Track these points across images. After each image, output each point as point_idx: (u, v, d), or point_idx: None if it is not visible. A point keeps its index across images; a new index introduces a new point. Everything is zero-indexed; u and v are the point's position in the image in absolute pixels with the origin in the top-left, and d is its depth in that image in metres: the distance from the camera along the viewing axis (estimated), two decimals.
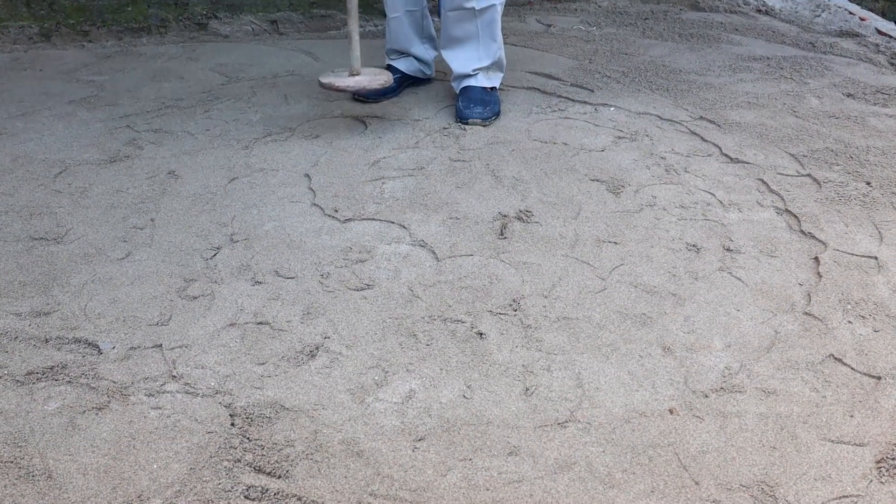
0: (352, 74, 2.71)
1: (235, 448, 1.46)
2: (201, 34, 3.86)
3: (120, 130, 2.78)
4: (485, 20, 2.77)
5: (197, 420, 1.53)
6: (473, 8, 2.73)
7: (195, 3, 3.81)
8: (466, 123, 2.77)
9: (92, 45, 3.76)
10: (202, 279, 1.95)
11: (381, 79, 2.74)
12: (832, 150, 2.53)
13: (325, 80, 2.70)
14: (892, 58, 3.40)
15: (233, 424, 1.52)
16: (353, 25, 2.67)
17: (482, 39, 2.81)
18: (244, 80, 3.24)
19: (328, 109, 2.92)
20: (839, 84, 3.10)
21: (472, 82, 2.87)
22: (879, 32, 3.74)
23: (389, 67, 3.05)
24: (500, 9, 2.78)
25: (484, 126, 2.75)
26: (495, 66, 2.90)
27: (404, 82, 3.09)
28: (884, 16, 4.25)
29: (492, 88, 2.88)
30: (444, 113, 2.88)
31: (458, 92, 2.92)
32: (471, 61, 2.86)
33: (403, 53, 3.07)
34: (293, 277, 1.95)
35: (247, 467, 1.42)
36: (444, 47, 2.90)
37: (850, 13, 4.01)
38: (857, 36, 3.70)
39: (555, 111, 2.87)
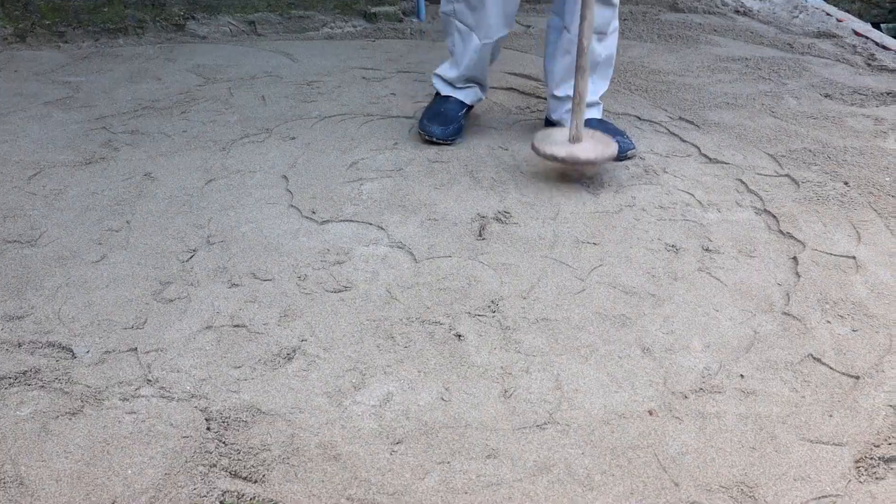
0: (573, 140, 2.33)
1: (211, 453, 1.44)
2: (179, 35, 3.83)
3: (96, 132, 2.75)
4: (609, 45, 2.54)
5: (172, 424, 1.50)
6: (605, 33, 2.50)
7: (172, 3, 3.78)
8: (628, 156, 2.50)
9: (68, 46, 3.73)
10: (178, 282, 1.93)
11: (610, 149, 2.33)
12: (810, 151, 2.54)
13: (542, 147, 2.33)
14: (869, 59, 3.42)
15: (208, 429, 1.49)
16: (582, 83, 2.28)
17: (609, 61, 2.58)
18: (222, 82, 3.21)
19: (306, 111, 2.90)
20: (817, 84, 3.12)
21: (595, 113, 2.61)
22: (856, 33, 3.76)
23: (447, 98, 2.69)
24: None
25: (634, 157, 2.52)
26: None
27: (467, 116, 2.74)
28: (860, 17, 4.28)
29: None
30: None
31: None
32: (594, 87, 2.58)
33: (472, 82, 2.70)
34: (270, 279, 1.93)
35: (222, 472, 1.40)
36: (563, 77, 2.56)
37: (828, 14, 4.04)
38: (835, 37, 3.72)
39: (533, 112, 2.86)
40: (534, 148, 2.33)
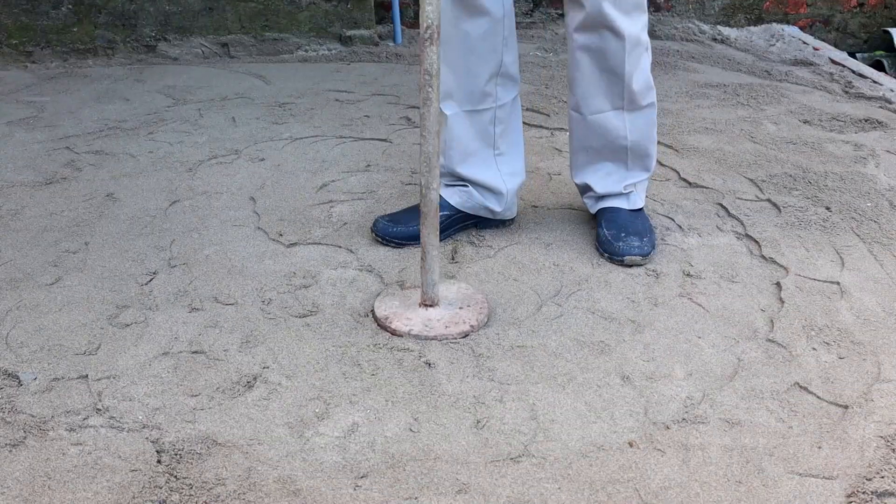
0: (425, 304, 1.81)
1: (161, 487, 1.34)
2: (150, 56, 3.75)
3: (58, 152, 2.66)
4: (646, 122, 2.07)
5: (120, 457, 1.40)
6: (623, 108, 2.02)
7: (144, 24, 3.71)
8: (621, 261, 2.01)
9: (35, 66, 3.65)
10: (135, 306, 1.84)
11: (465, 318, 1.78)
12: (791, 176, 2.49)
13: (381, 311, 1.80)
14: (846, 86, 3.41)
15: (159, 461, 1.39)
16: (429, 232, 1.73)
17: (639, 145, 2.08)
18: (192, 103, 3.14)
19: (277, 132, 2.83)
20: (795, 111, 3.09)
21: (620, 203, 2.12)
22: (833, 62, 3.75)
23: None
24: (656, 105, 2.10)
25: (641, 265, 2.02)
26: (648, 178, 2.18)
27: (452, 223, 2.12)
28: (836, 46, 4.28)
29: (641, 209, 2.15)
30: (398, 134, 2.80)
31: (594, 214, 2.17)
32: (616, 175, 2.11)
33: (459, 179, 2.11)
34: (233, 304, 1.84)
35: None
36: (579, 162, 2.15)
37: (804, 43, 4.03)
38: (812, 65, 3.71)
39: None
40: (374, 315, 1.80)
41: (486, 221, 2.16)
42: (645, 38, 1.98)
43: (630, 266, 2.01)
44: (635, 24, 1.94)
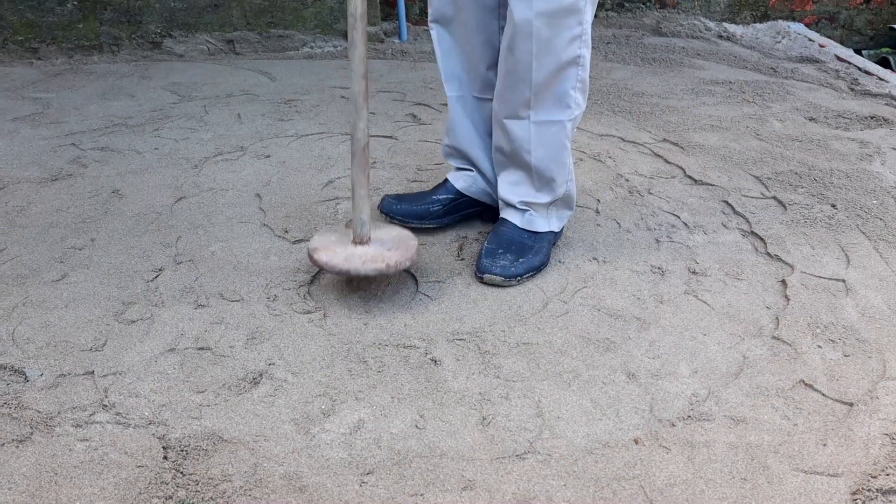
0: (356, 242, 1.83)
1: (167, 483, 1.34)
2: (155, 53, 3.76)
3: (64, 148, 2.67)
4: (543, 140, 1.88)
5: (127, 453, 1.41)
6: (528, 118, 1.87)
7: (149, 21, 3.71)
8: (481, 279, 1.91)
9: (41, 63, 3.65)
10: (141, 302, 1.84)
11: (387, 257, 1.79)
12: (796, 173, 2.49)
13: (312, 243, 1.85)
14: (852, 83, 3.40)
15: (165, 458, 1.40)
16: (358, 170, 1.78)
17: (537, 166, 1.91)
18: (197, 99, 3.14)
19: (282, 129, 2.83)
20: (801, 108, 3.08)
21: (515, 218, 2.00)
22: (839, 59, 3.74)
23: (445, 182, 2.16)
24: (570, 127, 1.89)
25: (507, 286, 1.90)
26: (560, 202, 1.99)
27: (457, 207, 2.14)
28: (842, 43, 4.27)
29: (546, 232, 2.00)
30: (403, 131, 2.80)
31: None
32: (521, 188, 1.97)
33: (465, 161, 2.12)
34: (239, 300, 1.84)
35: None
36: (494, 161, 2.04)
37: (810, 40, 4.02)
38: (817, 62, 3.70)
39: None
40: (309, 254, 1.83)
41: (491, 211, 2.13)
42: (573, 50, 1.79)
43: (489, 285, 1.90)
44: (554, 30, 1.75)
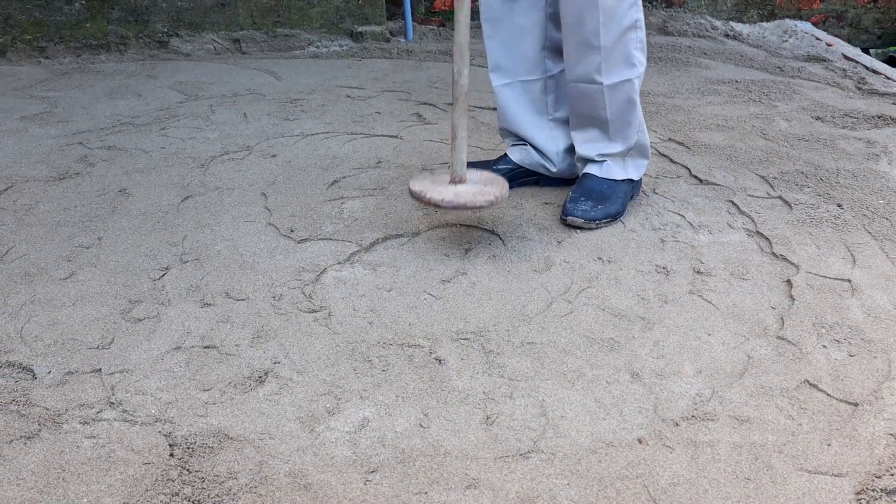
0: (453, 181, 2.00)
1: (174, 480, 1.35)
2: (162, 52, 3.77)
3: (71, 147, 2.68)
4: (616, 99, 2.12)
5: (133, 450, 1.42)
6: (602, 83, 2.09)
7: (156, 20, 3.73)
8: (564, 221, 2.15)
9: (48, 62, 3.67)
10: (148, 300, 1.85)
11: (489, 192, 1.98)
12: (802, 173, 2.49)
13: (416, 186, 1.99)
14: (859, 83, 3.39)
15: (172, 455, 1.41)
16: (459, 116, 1.95)
17: (612, 121, 2.15)
18: (203, 99, 3.15)
19: (288, 128, 2.84)
20: (808, 107, 3.08)
21: (594, 170, 2.23)
22: (846, 58, 3.74)
23: (504, 156, 2.40)
24: (637, 84, 2.12)
25: (588, 228, 2.14)
26: (634, 151, 2.22)
27: (514, 176, 2.35)
28: (849, 42, 4.26)
29: (625, 181, 2.23)
30: (409, 131, 2.80)
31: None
32: (597, 144, 2.21)
33: (518, 138, 2.36)
34: (244, 299, 1.85)
35: (185, 501, 1.32)
36: (571, 124, 2.26)
37: (817, 39, 4.01)
38: (824, 61, 3.69)
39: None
40: (410, 191, 2.00)
41: (547, 179, 2.38)
42: (632, 15, 2.03)
43: (571, 227, 2.14)
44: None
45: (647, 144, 2.23)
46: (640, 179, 2.29)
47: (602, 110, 2.13)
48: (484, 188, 1.99)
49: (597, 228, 2.14)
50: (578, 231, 2.14)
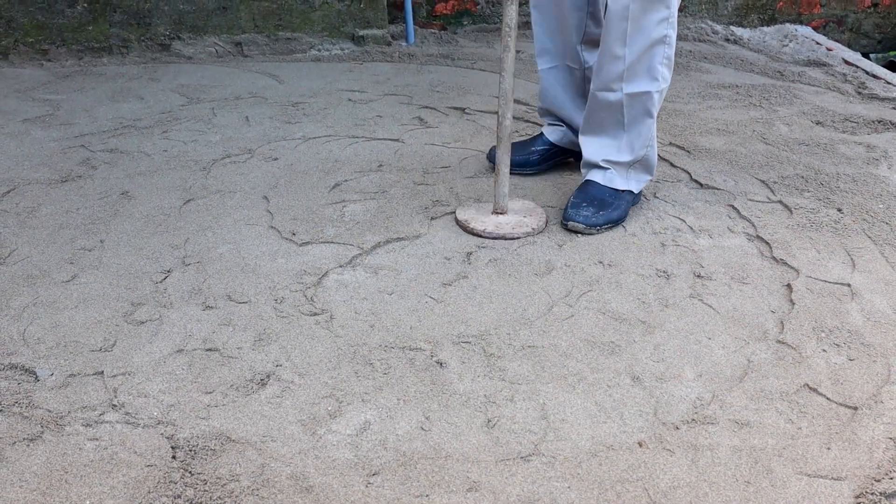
0: (496, 212, 2.20)
1: (176, 483, 1.36)
2: (164, 55, 3.78)
3: (74, 150, 2.69)
4: (633, 109, 2.15)
5: (136, 452, 1.42)
6: (621, 91, 2.13)
7: (158, 23, 3.74)
8: (566, 226, 2.18)
9: (51, 65, 3.67)
10: (150, 303, 1.86)
11: (528, 223, 2.17)
12: (802, 177, 2.49)
13: (462, 216, 2.21)
14: (859, 87, 3.40)
15: (174, 457, 1.41)
16: (503, 154, 2.14)
17: (627, 130, 2.18)
18: (205, 102, 3.16)
19: (290, 132, 2.84)
20: (808, 112, 3.08)
21: (597, 177, 2.26)
22: (846, 62, 3.74)
23: (541, 136, 2.55)
24: (657, 98, 2.14)
25: (588, 234, 2.17)
26: (639, 165, 2.24)
27: (552, 156, 2.52)
28: (849, 47, 4.27)
29: (626, 191, 2.25)
30: (410, 134, 2.81)
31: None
32: (605, 150, 2.24)
33: (557, 118, 2.48)
34: (246, 302, 1.86)
35: (187, 503, 1.32)
36: (582, 129, 2.29)
37: (817, 43, 4.02)
38: (825, 66, 3.70)
39: (523, 136, 2.81)
40: (456, 219, 2.21)
41: (579, 158, 2.37)
42: (661, 30, 2.05)
43: (573, 232, 2.18)
44: (646, 13, 2.02)
45: (653, 161, 2.25)
46: (640, 192, 2.32)
47: (618, 118, 2.17)
48: (523, 219, 2.19)
49: (597, 234, 2.17)
50: (579, 235, 2.15)
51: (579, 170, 2.33)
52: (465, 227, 2.17)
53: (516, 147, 2.49)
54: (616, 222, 2.20)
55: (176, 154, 2.65)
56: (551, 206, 2.32)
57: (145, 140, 2.77)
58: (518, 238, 2.13)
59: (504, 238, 2.13)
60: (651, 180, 2.32)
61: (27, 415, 1.51)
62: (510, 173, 2.24)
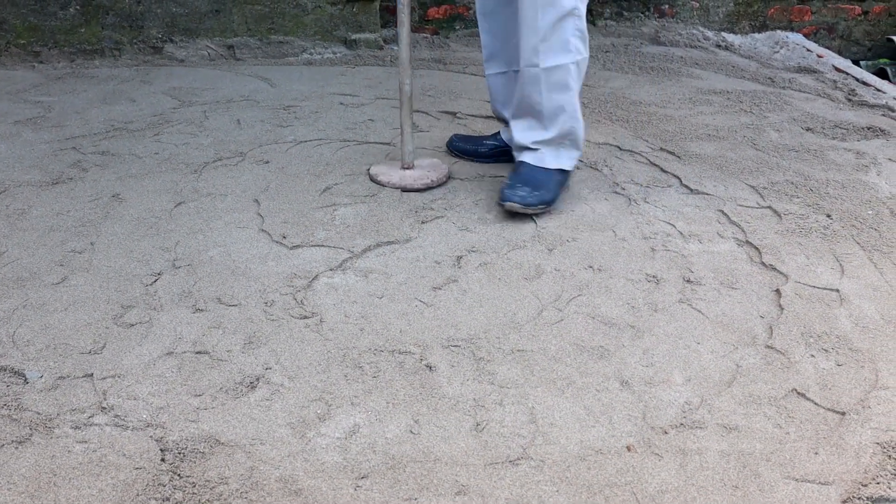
0: (403, 168, 2.47)
1: (164, 485, 1.36)
2: (156, 58, 3.77)
3: (65, 152, 2.68)
4: (551, 83, 2.23)
5: (125, 455, 1.42)
6: (538, 66, 2.21)
7: (150, 26, 3.73)
8: (502, 206, 2.25)
9: (43, 66, 3.66)
10: (140, 306, 1.85)
11: (430, 176, 2.44)
12: (792, 183, 2.51)
13: (373, 170, 2.49)
14: (849, 94, 3.42)
15: (163, 460, 1.41)
16: (405, 115, 2.40)
17: (546, 106, 2.26)
18: (197, 105, 3.15)
19: (281, 135, 2.84)
20: (798, 118, 3.10)
21: (528, 158, 2.35)
22: (836, 69, 3.76)
23: (497, 133, 2.65)
24: (573, 70, 2.22)
25: (526, 213, 2.25)
26: (567, 139, 2.32)
27: (501, 153, 2.62)
28: (840, 54, 4.30)
29: (558, 170, 2.34)
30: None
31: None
32: (533, 132, 2.33)
33: (506, 121, 2.53)
34: (236, 305, 1.86)
35: None
36: (512, 113, 2.40)
37: (808, 50, 4.04)
38: (815, 72, 3.72)
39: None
40: (368, 173, 2.50)
41: None
42: (571, 2, 2.14)
43: (510, 212, 2.26)
44: None
45: (579, 135, 2.33)
46: (571, 171, 2.41)
47: (538, 94, 2.25)
48: (427, 173, 2.46)
49: (532, 214, 2.27)
50: (570, 240, 2.16)
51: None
52: (374, 180, 2.45)
53: (472, 138, 2.70)
54: (548, 204, 2.29)
55: (167, 157, 2.65)
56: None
57: (137, 143, 2.77)
58: (418, 190, 2.39)
59: (405, 189, 2.39)
60: (580, 157, 2.43)
61: (16, 417, 1.50)
62: (461, 158, 2.63)
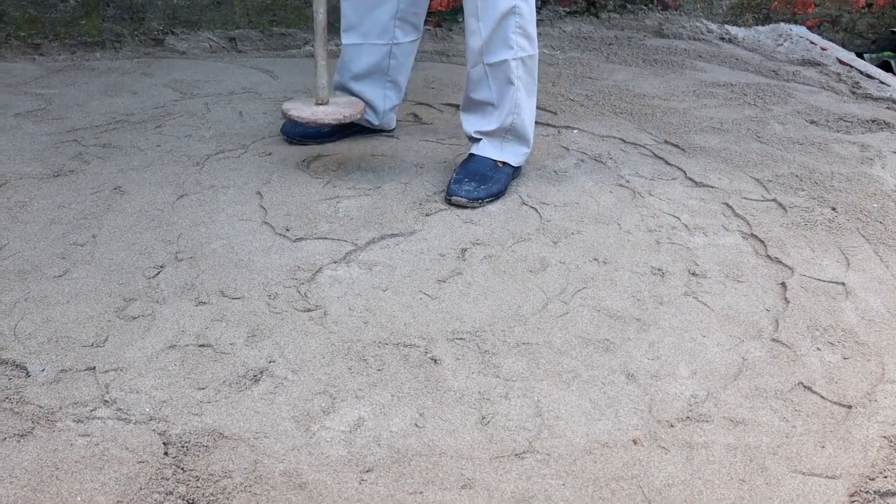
0: (318, 104, 2.39)
1: (168, 479, 1.35)
2: (157, 50, 3.76)
3: (66, 144, 2.67)
4: (494, 77, 2.28)
5: (128, 448, 1.41)
6: (483, 62, 2.27)
7: (152, 18, 3.72)
8: (449, 201, 2.27)
9: (43, 59, 3.65)
10: (143, 298, 1.85)
11: (342, 112, 2.37)
12: (797, 176, 2.49)
13: (285, 105, 2.41)
14: (853, 87, 3.40)
15: (166, 453, 1.41)
16: (319, 47, 2.34)
17: (490, 99, 2.32)
18: (199, 97, 3.14)
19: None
20: (802, 111, 3.08)
21: (474, 149, 2.39)
22: (840, 62, 3.75)
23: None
24: (514, 66, 2.26)
25: (472, 208, 2.25)
26: (510, 135, 2.36)
27: (342, 128, 2.64)
28: (844, 46, 4.27)
29: (502, 164, 2.36)
30: (405, 130, 2.80)
31: None
32: (478, 123, 2.38)
33: (352, 94, 2.57)
34: (239, 298, 1.85)
35: (179, 500, 1.31)
36: (461, 106, 2.45)
37: (812, 43, 4.03)
38: (819, 65, 3.70)
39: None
40: (282, 112, 2.40)
41: (368, 131, 2.69)
42: (509, 2, 2.18)
43: (457, 206, 2.25)
44: None
45: (525, 131, 2.36)
46: (520, 167, 2.42)
47: (486, 89, 2.30)
48: (340, 109, 2.38)
49: (479, 207, 2.26)
50: (575, 233, 2.15)
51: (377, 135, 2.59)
52: (285, 115, 2.37)
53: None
54: (496, 196, 2.30)
55: (169, 149, 2.64)
56: (554, 204, 2.32)
57: (138, 135, 2.76)
58: (331, 124, 2.39)
59: (317, 124, 2.37)
60: (528, 153, 2.41)
61: (18, 411, 1.50)
62: (302, 144, 2.62)
